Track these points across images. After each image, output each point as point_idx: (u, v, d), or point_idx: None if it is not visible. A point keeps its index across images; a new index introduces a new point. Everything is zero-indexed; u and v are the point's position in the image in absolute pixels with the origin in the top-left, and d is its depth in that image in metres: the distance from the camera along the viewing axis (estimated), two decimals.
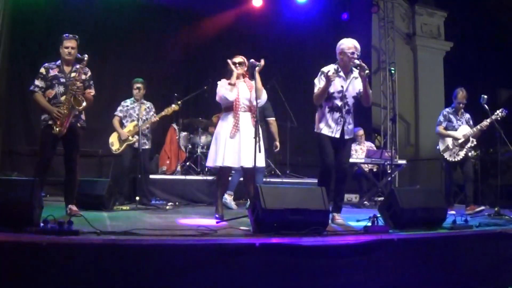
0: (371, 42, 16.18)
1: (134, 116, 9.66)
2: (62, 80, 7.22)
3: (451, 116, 9.75)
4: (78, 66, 7.30)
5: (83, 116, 7.51)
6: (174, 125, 11.93)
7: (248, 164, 7.03)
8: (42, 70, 7.28)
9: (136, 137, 9.42)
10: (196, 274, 4.60)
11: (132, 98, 9.79)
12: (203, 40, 13.43)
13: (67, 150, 7.41)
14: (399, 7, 17.32)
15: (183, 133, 11.93)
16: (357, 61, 6.86)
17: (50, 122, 7.08)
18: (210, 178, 10.62)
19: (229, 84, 7.30)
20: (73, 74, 7.28)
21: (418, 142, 17.64)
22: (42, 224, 4.84)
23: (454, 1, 17.33)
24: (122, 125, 9.63)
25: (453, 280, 5.66)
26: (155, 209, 9.07)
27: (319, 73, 7.11)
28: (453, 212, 8.64)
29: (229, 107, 7.34)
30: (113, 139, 9.58)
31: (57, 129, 7.00)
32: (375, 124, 16.19)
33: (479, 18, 17.20)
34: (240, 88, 7.35)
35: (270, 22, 14.02)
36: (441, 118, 9.86)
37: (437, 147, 9.96)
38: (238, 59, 7.51)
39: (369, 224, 5.87)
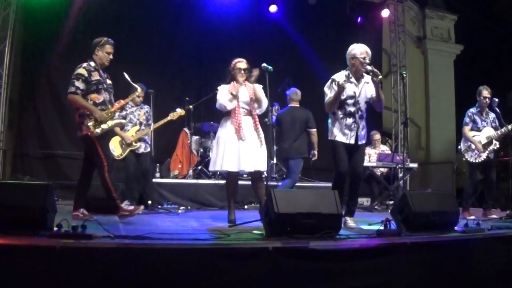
0: (381, 45, 16.17)
1: (134, 121, 9.61)
2: (105, 85, 7.08)
3: (476, 117, 9.54)
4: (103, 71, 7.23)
5: None
6: (186, 129, 11.95)
7: (248, 168, 7.10)
8: (83, 71, 6.93)
9: (139, 142, 9.46)
10: (209, 278, 4.61)
11: (130, 103, 9.54)
12: (215, 44, 13.46)
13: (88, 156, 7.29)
14: (409, 10, 17.30)
15: (195, 137, 11.96)
16: (369, 67, 6.84)
17: (90, 123, 6.83)
18: (222, 182, 10.64)
19: (231, 94, 7.23)
20: (108, 81, 7.19)
21: (429, 145, 17.61)
22: (55, 228, 4.86)
23: (464, 4, 17.29)
24: (122, 129, 9.49)
25: (465, 283, 5.65)
26: (167, 212, 9.12)
27: (330, 81, 7.10)
28: (472, 217, 8.37)
29: (229, 112, 7.30)
30: (114, 144, 9.41)
31: (97, 129, 6.81)
32: (386, 128, 16.17)
33: (489, 21, 17.19)
34: (240, 93, 7.30)
35: (282, 26, 14.05)
36: (466, 119, 9.62)
37: (459, 147, 9.76)
38: (244, 65, 7.39)
39: (382, 227, 5.89)
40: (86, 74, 6.90)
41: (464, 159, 9.65)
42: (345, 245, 5.35)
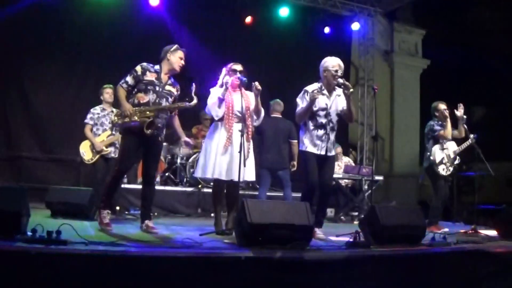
0: (350, 58, 16.30)
1: (106, 125, 9.43)
2: (157, 88, 6.96)
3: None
4: (172, 80, 7.24)
5: (164, 131, 7.37)
6: None
7: (237, 177, 6.92)
8: (138, 68, 6.96)
9: (111, 148, 9.31)
10: (182, 286, 4.65)
11: (102, 106, 9.49)
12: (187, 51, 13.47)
13: (147, 161, 7.32)
14: (378, 24, 17.47)
15: (163, 144, 11.91)
16: (341, 80, 6.92)
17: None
18: (189, 189, 10.66)
19: (218, 97, 7.11)
20: (168, 87, 7.10)
21: (392, 158, 17.79)
22: (30, 233, 4.85)
23: (433, 19, 17.56)
24: (92, 133, 9.37)
25: None
26: (134, 219, 9.07)
27: (302, 92, 7.17)
28: (445, 230, 8.66)
29: (221, 118, 7.19)
30: (85, 148, 9.25)
31: (119, 120, 6.90)
32: (352, 140, 16.32)
33: (456, 37, 17.45)
34: (234, 100, 7.20)
35: (255, 36, 14.11)
36: (437, 127, 9.57)
37: (431, 158, 9.54)
38: (240, 67, 7.31)
39: (351, 239, 5.98)
40: (139, 72, 6.94)
41: (437, 171, 9.45)
42: (315, 256, 5.42)
